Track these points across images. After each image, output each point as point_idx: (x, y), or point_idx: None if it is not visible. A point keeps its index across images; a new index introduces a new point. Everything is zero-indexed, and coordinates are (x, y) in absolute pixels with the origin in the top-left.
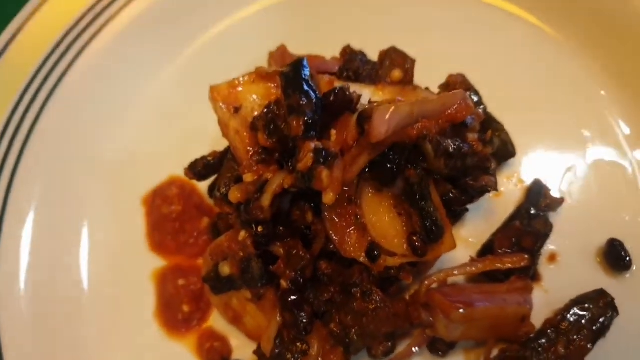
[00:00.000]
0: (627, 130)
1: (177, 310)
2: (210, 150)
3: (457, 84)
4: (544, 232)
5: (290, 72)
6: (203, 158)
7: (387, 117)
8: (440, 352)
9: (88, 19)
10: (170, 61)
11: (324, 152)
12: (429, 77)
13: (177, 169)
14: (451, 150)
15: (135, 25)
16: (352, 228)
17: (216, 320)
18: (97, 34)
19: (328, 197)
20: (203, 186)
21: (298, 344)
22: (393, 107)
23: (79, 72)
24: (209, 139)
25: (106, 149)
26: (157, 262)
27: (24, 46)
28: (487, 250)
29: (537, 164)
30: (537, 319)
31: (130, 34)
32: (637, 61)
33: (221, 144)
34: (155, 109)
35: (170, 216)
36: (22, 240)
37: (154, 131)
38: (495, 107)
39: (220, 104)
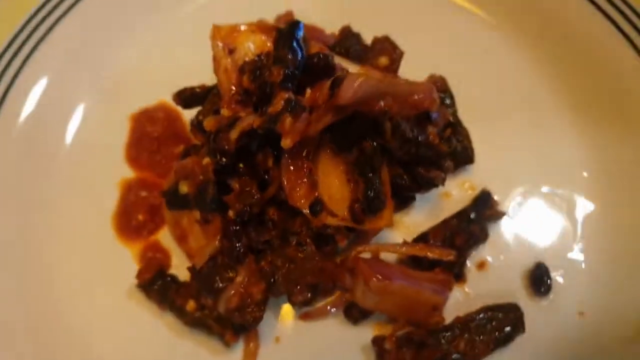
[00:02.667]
0: (585, 174)
1: (133, 217)
2: (200, 83)
3: (435, 83)
4: (478, 236)
5: (285, 29)
6: (192, 88)
7: (356, 84)
8: (354, 318)
9: None
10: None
11: (293, 102)
12: (413, 73)
13: (169, 96)
14: (408, 135)
15: None
16: (304, 180)
17: (164, 237)
18: None
19: (285, 142)
20: (187, 118)
21: (228, 271)
22: (363, 77)
23: None
24: (203, 75)
25: (109, 64)
26: (127, 174)
27: None
28: (421, 239)
29: (492, 176)
30: (451, 315)
31: None
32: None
33: (212, 81)
34: (162, 38)
35: (151, 135)
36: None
37: (156, 58)
38: (468, 114)
39: (219, 42)
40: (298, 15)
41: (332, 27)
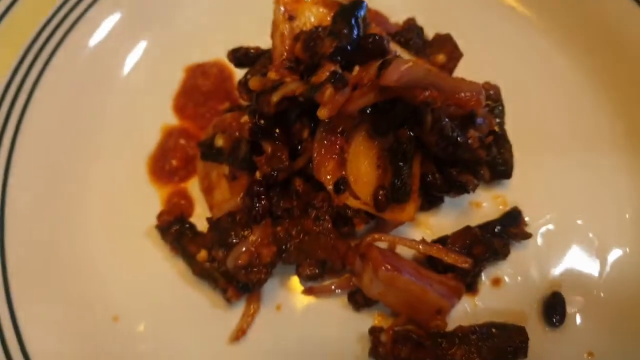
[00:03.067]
0: (627, 215)
1: (167, 162)
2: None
3: (489, 91)
4: (498, 251)
5: (347, 5)
6: (247, 48)
7: (403, 68)
8: (357, 304)
9: None
10: None
11: (338, 75)
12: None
13: (224, 55)
14: (447, 132)
15: None
16: (334, 156)
17: (192, 187)
18: None
19: (322, 113)
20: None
21: (245, 230)
22: (412, 63)
23: None
24: (260, 38)
25: (178, 13)
26: (171, 120)
27: None
28: (441, 241)
29: (528, 195)
30: (455, 323)
31: None
32: None
33: (267, 45)
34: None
35: (201, 88)
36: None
37: (220, 15)
38: (516, 128)
39: (281, 7)
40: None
41: (397, 17)
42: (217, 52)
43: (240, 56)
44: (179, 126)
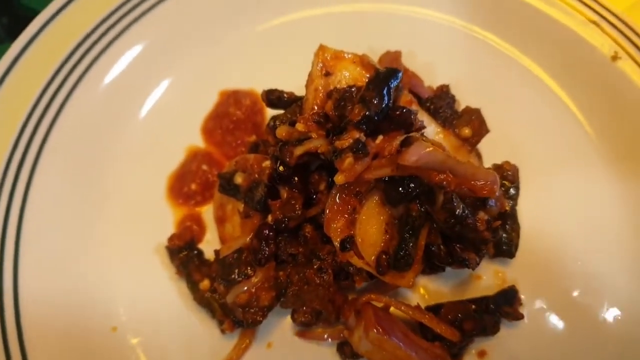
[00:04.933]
0: (615, 313)
1: (187, 184)
2: (291, 90)
3: (508, 171)
4: (488, 329)
5: (382, 73)
6: (281, 91)
7: (423, 152)
8: (345, 355)
9: None
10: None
11: (360, 145)
12: (490, 150)
13: (261, 88)
14: (456, 212)
15: None
16: (345, 215)
17: (207, 213)
18: None
19: (339, 178)
20: (270, 113)
21: (248, 268)
22: (432, 149)
23: None
24: (297, 84)
25: (217, 41)
26: (197, 142)
27: None
28: (434, 309)
29: (527, 277)
30: None
31: None
32: None
33: (302, 93)
34: (276, 39)
35: (231, 116)
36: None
37: (265, 50)
38: (527, 209)
39: (320, 62)
40: (406, 59)
41: (434, 81)
42: (252, 83)
43: (273, 99)
44: (204, 150)
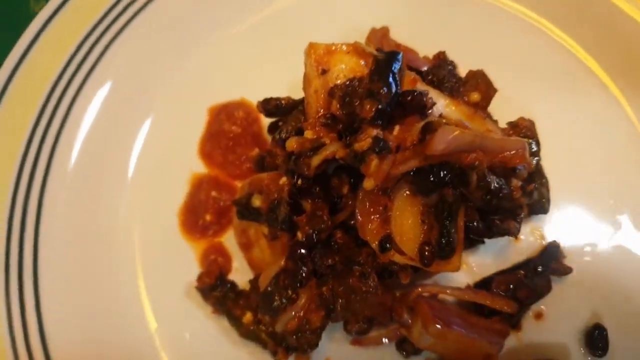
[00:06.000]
0: None
1: (200, 216)
2: (287, 94)
3: (524, 127)
4: (541, 291)
5: (383, 60)
6: (277, 99)
7: (450, 137)
8: (404, 353)
9: None
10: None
11: (381, 143)
12: (502, 110)
13: (251, 95)
14: (492, 188)
15: None
16: (377, 216)
17: (228, 240)
18: None
19: (369, 183)
20: (266, 120)
21: (289, 292)
22: (458, 132)
23: None
24: (290, 84)
25: (193, 53)
26: (199, 168)
27: None
28: (485, 284)
29: (564, 228)
30: None
31: None
32: None
33: (298, 94)
34: (255, 39)
35: (227, 133)
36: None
37: (246, 54)
38: (550, 160)
39: (312, 61)
40: (393, 33)
41: (426, 47)
42: (241, 91)
43: (271, 108)
44: (208, 175)
